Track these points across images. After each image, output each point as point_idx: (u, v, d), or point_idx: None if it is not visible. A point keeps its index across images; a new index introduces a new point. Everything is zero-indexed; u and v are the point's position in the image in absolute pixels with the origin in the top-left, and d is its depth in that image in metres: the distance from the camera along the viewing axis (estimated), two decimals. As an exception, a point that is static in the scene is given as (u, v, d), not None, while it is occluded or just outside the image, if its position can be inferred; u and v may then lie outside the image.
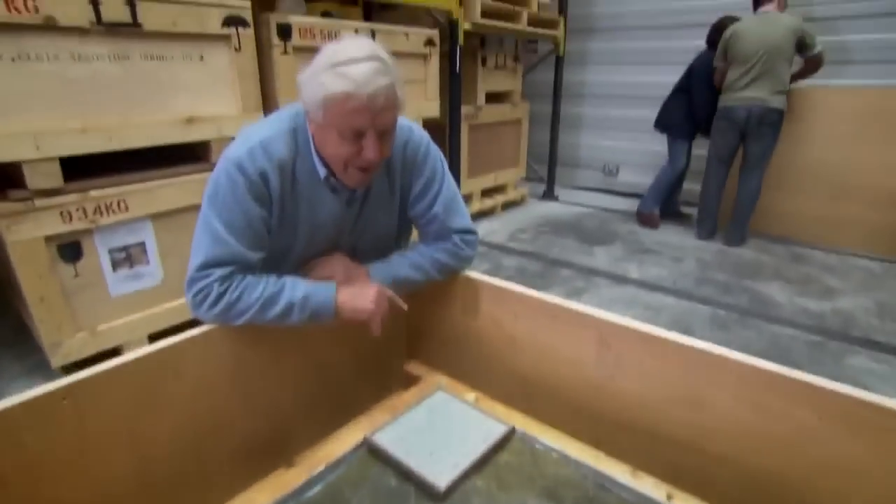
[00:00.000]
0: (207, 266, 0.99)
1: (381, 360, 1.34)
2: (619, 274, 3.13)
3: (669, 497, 0.94)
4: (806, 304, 2.74)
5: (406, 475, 0.97)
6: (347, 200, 1.14)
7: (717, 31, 3.65)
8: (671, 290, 2.91)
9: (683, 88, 3.87)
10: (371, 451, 1.04)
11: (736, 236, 3.65)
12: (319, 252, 1.17)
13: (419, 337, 1.40)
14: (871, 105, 3.34)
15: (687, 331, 2.39)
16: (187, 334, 0.95)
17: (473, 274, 1.26)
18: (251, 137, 1.02)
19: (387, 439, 1.05)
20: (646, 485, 0.97)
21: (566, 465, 1.01)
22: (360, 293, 1.07)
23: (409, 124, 1.19)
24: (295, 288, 1.02)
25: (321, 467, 0.99)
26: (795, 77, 3.41)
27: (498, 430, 1.08)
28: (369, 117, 0.95)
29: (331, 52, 0.95)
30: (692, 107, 3.83)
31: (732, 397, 0.92)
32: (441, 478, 0.94)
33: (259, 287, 0.99)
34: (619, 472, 1.00)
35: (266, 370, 1.09)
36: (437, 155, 1.22)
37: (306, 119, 1.04)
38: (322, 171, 1.07)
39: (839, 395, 0.83)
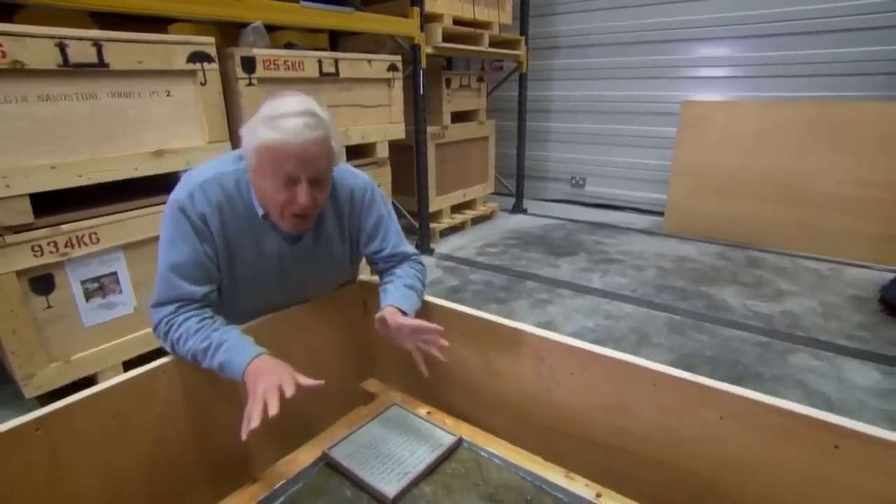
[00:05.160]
0: (159, 304, 1.10)
1: (340, 379, 1.43)
2: (583, 284, 3.26)
3: (598, 495, 1.05)
4: (757, 307, 2.90)
5: (360, 485, 1.06)
6: (292, 238, 1.23)
7: None
8: (631, 298, 3.05)
9: None
10: (328, 465, 1.13)
11: None
12: (268, 283, 1.25)
13: (375, 356, 1.50)
14: (812, 116, 3.56)
15: (644, 337, 2.56)
16: (154, 364, 1.03)
17: (425, 297, 1.36)
18: (192, 181, 1.12)
19: (343, 453, 1.14)
20: (578, 486, 1.07)
21: (507, 471, 1.12)
22: (261, 379, 0.99)
23: (355, 171, 1.32)
24: (215, 354, 1.03)
25: (283, 481, 1.07)
26: None
27: (446, 441, 1.17)
28: (299, 165, 1.04)
29: (269, 107, 1.05)
30: None
31: (650, 402, 1.03)
32: (391, 486, 1.03)
33: (190, 341, 1.04)
34: (554, 475, 1.10)
35: (229, 393, 1.16)
36: (381, 197, 1.35)
37: (248, 169, 1.12)
38: (259, 211, 1.16)
39: (737, 396, 0.95)
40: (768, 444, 0.91)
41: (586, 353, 1.10)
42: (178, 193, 1.10)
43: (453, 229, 4.46)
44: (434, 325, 1.17)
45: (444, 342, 1.17)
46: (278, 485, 1.06)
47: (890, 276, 3.27)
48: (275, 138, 1.01)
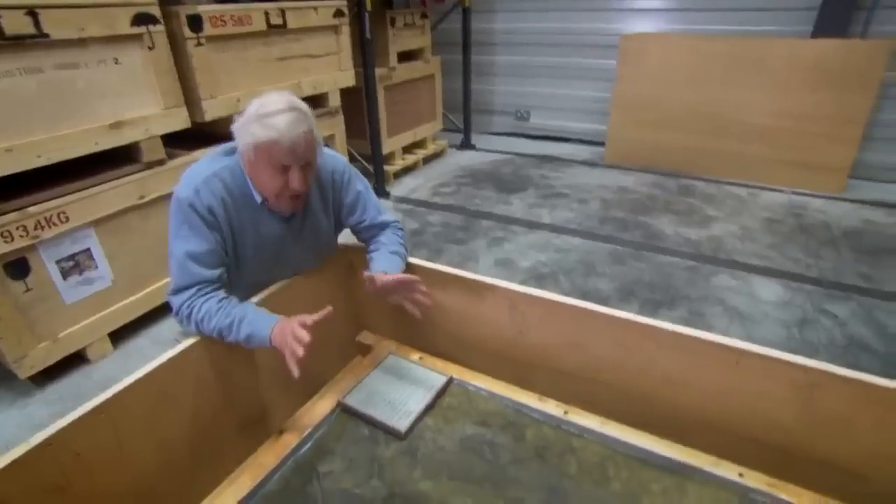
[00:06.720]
0: (178, 290, 1.22)
1: (337, 335, 1.61)
2: (534, 220, 3.51)
3: (566, 412, 1.32)
4: (688, 234, 3.26)
5: (374, 424, 1.28)
6: (288, 218, 1.36)
7: None
8: (578, 231, 3.33)
9: None
10: (344, 411, 1.33)
11: None
12: (268, 259, 1.37)
13: (367, 311, 1.67)
14: (736, 51, 3.81)
15: (591, 268, 2.87)
16: (184, 346, 1.16)
17: (409, 258, 1.53)
18: (195, 178, 1.22)
19: (355, 399, 1.34)
20: (550, 406, 1.34)
21: (492, 400, 1.37)
22: (286, 329, 1.14)
23: (333, 154, 1.45)
24: (240, 327, 1.16)
25: (308, 429, 1.27)
26: None
27: (439, 381, 1.40)
28: (292, 156, 1.17)
29: (257, 105, 1.17)
30: None
31: (603, 338, 1.28)
32: (401, 422, 1.26)
33: (214, 319, 1.17)
34: (530, 399, 1.36)
35: (246, 361, 1.32)
36: (357, 174, 1.48)
37: (243, 161, 1.24)
38: (258, 198, 1.28)
39: (668, 331, 1.20)
40: (691, 364, 1.18)
41: (551, 302, 1.32)
42: (185, 191, 1.19)
43: (406, 170, 4.54)
44: (413, 276, 1.36)
45: (424, 287, 1.37)
46: (305, 433, 1.26)
47: (797, 198, 3.72)
48: (269, 136, 1.13)
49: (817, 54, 3.53)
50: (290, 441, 1.24)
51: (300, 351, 1.09)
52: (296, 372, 1.09)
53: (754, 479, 1.12)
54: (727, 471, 1.14)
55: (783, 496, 1.08)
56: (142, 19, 2.02)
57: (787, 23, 3.99)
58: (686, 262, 2.91)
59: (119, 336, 2.25)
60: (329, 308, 1.18)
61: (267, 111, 1.15)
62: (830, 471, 1.10)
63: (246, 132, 1.16)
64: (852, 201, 3.67)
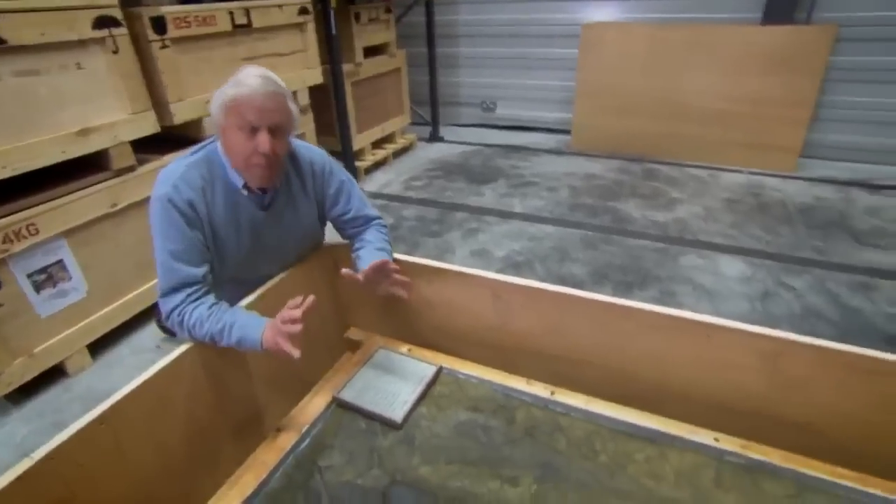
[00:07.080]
0: (165, 293, 1.23)
1: (327, 333, 1.64)
2: (506, 210, 3.58)
3: (552, 393, 1.39)
4: (655, 217, 3.39)
5: (371, 417, 1.32)
6: (266, 205, 1.37)
7: None
8: (549, 219, 3.42)
9: None
10: (340, 406, 1.37)
11: None
12: (249, 250, 1.38)
13: (354, 308, 1.70)
14: (691, 38, 3.95)
15: (565, 254, 2.95)
16: (178, 352, 1.17)
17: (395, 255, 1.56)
18: (172, 175, 1.23)
19: (350, 394, 1.38)
20: (537, 388, 1.41)
21: (482, 386, 1.42)
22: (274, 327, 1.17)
23: (310, 146, 1.48)
24: (231, 332, 1.18)
25: (305, 426, 1.30)
26: None
27: (430, 371, 1.45)
28: (259, 115, 1.18)
29: (233, 77, 1.22)
30: None
31: (584, 321, 1.35)
32: (397, 413, 1.30)
33: (206, 325, 1.18)
34: (518, 383, 1.42)
35: (240, 364, 1.33)
36: (339, 166, 1.51)
37: (217, 133, 1.27)
38: (239, 182, 1.30)
39: (645, 311, 1.28)
40: (666, 340, 1.27)
41: (532, 289, 1.38)
42: (163, 188, 1.20)
43: (376, 165, 4.54)
44: (386, 259, 1.40)
45: (396, 266, 1.43)
46: (303, 430, 1.29)
47: (755, 178, 3.90)
48: (239, 92, 1.17)
49: (767, 40, 3.70)
50: (288, 439, 1.27)
51: (295, 328, 1.11)
52: (295, 353, 1.11)
53: (729, 443, 1.22)
54: (704, 437, 1.23)
55: (755, 455, 1.18)
56: (103, 22, 1.97)
57: (738, 9, 4.15)
58: (655, 244, 3.03)
59: (98, 347, 2.21)
60: (312, 297, 1.19)
61: (241, 75, 1.20)
62: (796, 430, 1.20)
63: (219, 95, 1.21)
64: (804, 179, 3.88)
